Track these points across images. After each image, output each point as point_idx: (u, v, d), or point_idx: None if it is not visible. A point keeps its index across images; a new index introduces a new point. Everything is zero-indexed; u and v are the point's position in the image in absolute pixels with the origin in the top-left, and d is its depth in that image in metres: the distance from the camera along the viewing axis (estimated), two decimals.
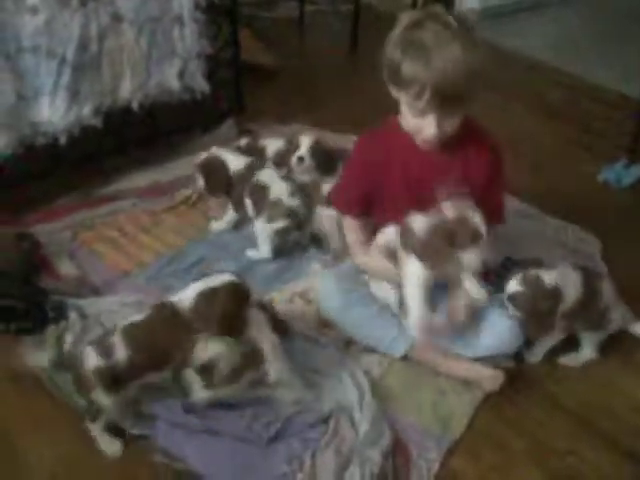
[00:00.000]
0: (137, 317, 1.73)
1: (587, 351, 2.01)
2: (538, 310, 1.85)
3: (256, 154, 2.56)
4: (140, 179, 2.69)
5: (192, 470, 1.65)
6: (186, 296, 1.70)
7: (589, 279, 1.93)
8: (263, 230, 2.31)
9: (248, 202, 2.35)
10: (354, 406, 1.81)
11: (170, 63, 2.66)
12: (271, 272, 2.29)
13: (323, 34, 4.20)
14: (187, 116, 2.81)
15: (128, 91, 2.58)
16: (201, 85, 2.78)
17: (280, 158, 2.52)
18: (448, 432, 1.78)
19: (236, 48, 2.94)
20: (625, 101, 3.41)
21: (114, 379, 1.66)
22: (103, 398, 1.67)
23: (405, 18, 1.73)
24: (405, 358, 1.95)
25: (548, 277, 1.87)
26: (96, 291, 2.17)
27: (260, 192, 2.32)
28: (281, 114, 3.17)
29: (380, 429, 1.74)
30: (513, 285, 1.88)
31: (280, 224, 2.29)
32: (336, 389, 1.86)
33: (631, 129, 2.97)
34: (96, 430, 1.71)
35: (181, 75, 2.70)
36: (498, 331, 1.91)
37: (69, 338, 1.95)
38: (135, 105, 2.61)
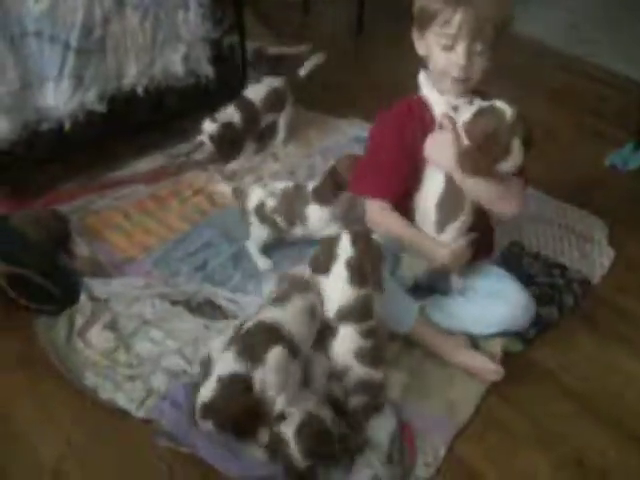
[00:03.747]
0: None
1: None
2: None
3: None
4: (145, 164, 2.68)
5: (198, 456, 1.64)
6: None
7: None
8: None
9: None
10: None
11: (175, 47, 2.65)
12: (276, 259, 2.27)
13: (328, 18, 4.17)
14: (192, 100, 2.80)
15: (133, 76, 2.58)
16: (206, 69, 2.77)
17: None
18: (455, 417, 1.78)
19: (241, 32, 2.92)
20: (633, 85, 3.38)
21: None
22: None
23: None
24: (408, 338, 1.93)
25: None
26: (107, 272, 2.17)
27: None
28: None
29: (387, 415, 1.73)
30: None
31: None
32: None
33: (638, 112, 2.95)
34: None
35: (186, 59, 2.69)
36: (513, 304, 1.92)
37: (79, 320, 1.97)
38: (140, 90, 2.61)
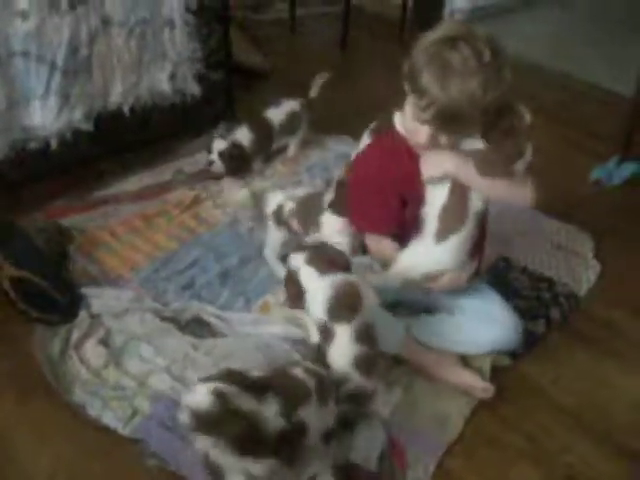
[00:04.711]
0: None
1: None
2: None
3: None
4: (132, 183, 2.67)
5: (185, 476, 1.63)
6: None
7: None
8: None
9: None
10: None
11: (161, 66, 2.66)
12: (264, 275, 2.28)
13: (314, 36, 4.20)
14: (179, 119, 2.80)
15: (119, 95, 2.59)
16: (192, 88, 2.78)
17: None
18: (445, 433, 1.78)
19: (227, 51, 2.93)
20: (618, 99, 3.41)
21: None
22: None
23: (444, 28, 1.71)
24: (397, 357, 1.93)
25: None
26: (100, 285, 2.18)
27: None
28: None
29: (377, 431, 1.74)
30: None
31: None
32: None
33: (623, 127, 2.98)
34: None
35: (172, 78, 2.71)
36: (505, 326, 1.92)
37: (76, 334, 1.98)
38: (126, 109, 2.61)
